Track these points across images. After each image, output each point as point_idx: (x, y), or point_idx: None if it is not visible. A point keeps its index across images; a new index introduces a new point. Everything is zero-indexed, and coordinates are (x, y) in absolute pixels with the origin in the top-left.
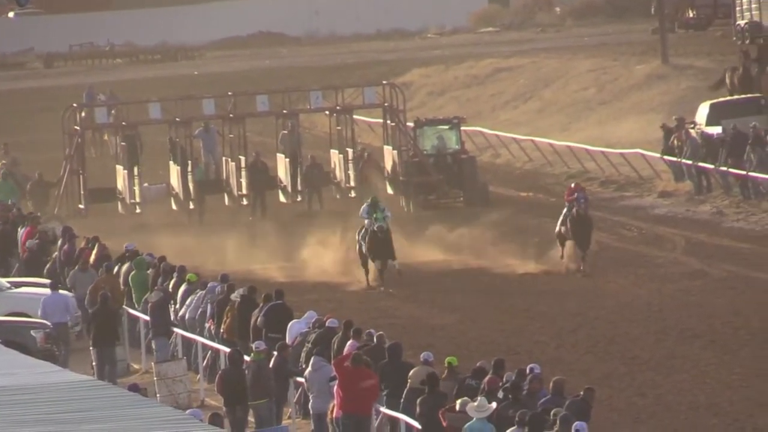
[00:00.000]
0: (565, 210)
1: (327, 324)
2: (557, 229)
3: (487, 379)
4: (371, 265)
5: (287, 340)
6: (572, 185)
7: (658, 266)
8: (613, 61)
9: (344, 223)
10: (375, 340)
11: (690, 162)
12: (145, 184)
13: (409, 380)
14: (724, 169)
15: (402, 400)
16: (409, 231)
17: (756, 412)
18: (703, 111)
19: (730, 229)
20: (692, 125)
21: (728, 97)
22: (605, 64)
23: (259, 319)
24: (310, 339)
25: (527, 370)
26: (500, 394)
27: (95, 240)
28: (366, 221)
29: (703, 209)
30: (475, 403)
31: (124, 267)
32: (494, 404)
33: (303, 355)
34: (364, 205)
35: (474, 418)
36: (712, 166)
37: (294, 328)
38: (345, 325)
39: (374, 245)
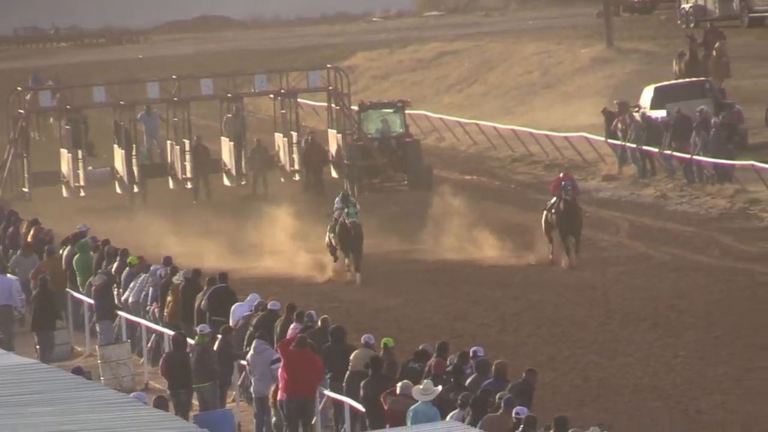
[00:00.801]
0: (552, 200)
1: (269, 306)
2: (543, 220)
3: (433, 362)
4: (339, 254)
5: (230, 323)
6: (560, 174)
7: (602, 249)
8: (558, 44)
9: (288, 207)
10: (319, 323)
11: (634, 145)
12: (90, 168)
13: (350, 363)
14: (669, 152)
15: (344, 383)
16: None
17: (699, 395)
18: (647, 95)
19: (674, 213)
20: (636, 109)
21: (672, 81)
22: (550, 47)
23: (202, 303)
24: (252, 322)
25: (470, 353)
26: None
27: (34, 222)
28: (336, 212)
29: (648, 193)
30: (421, 386)
31: (66, 250)
32: (440, 387)
33: (246, 338)
34: (337, 199)
35: (419, 401)
36: (656, 150)
37: (237, 311)
38: (288, 308)
39: (345, 240)
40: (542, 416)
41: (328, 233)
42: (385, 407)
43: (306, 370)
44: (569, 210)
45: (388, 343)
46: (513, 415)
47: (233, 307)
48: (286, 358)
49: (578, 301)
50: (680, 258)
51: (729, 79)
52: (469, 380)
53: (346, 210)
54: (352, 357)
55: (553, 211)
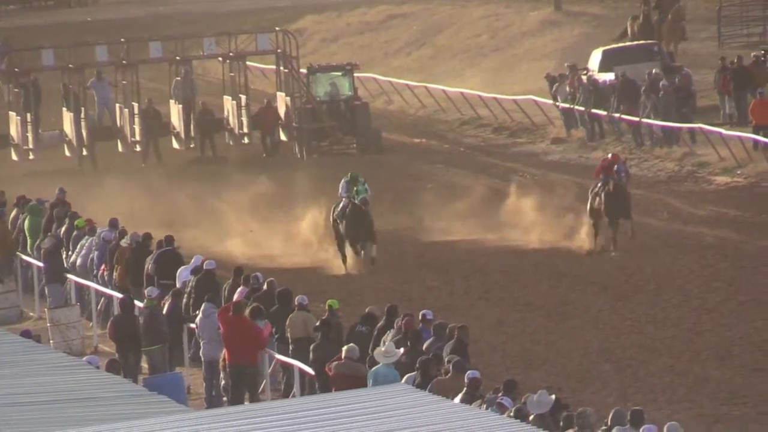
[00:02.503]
0: (598, 183)
1: (205, 266)
2: (589, 205)
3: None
4: (348, 249)
5: (176, 286)
6: (609, 156)
7: (552, 213)
8: (506, 7)
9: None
10: (265, 285)
11: (582, 108)
12: (39, 131)
13: (287, 326)
14: (617, 115)
15: (291, 345)
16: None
17: (648, 357)
18: (595, 58)
19: None
20: (585, 72)
21: (620, 44)
22: (498, 10)
23: (150, 266)
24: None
25: (420, 316)
26: (390, 337)
27: None
28: (344, 199)
29: (596, 156)
30: (383, 348)
31: (12, 213)
32: (401, 350)
33: (185, 300)
34: (342, 181)
35: (381, 363)
36: (604, 113)
37: (182, 274)
38: (235, 272)
39: (354, 222)
40: (491, 379)
41: (333, 220)
42: (330, 374)
43: (243, 336)
44: (618, 192)
45: (333, 305)
46: (467, 379)
47: (179, 270)
48: (223, 325)
49: (526, 265)
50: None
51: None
52: (426, 343)
53: (355, 188)
54: (288, 319)
55: (603, 197)
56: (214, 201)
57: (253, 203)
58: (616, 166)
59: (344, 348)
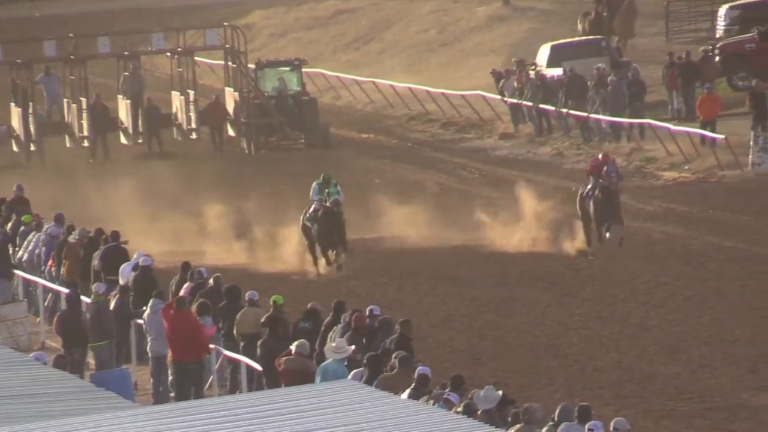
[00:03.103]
0: (589, 186)
1: (140, 263)
2: (578, 207)
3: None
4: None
5: (120, 282)
6: (600, 156)
7: (498, 208)
8: (454, 3)
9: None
10: (211, 281)
11: (530, 104)
12: None
13: (237, 321)
14: (564, 111)
15: (241, 342)
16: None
17: (595, 353)
18: (543, 53)
19: (571, 171)
20: (533, 67)
21: (568, 39)
22: (446, 5)
23: (96, 262)
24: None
25: (367, 312)
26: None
27: None
28: (315, 202)
29: (544, 151)
30: (334, 344)
31: None
32: (353, 346)
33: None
34: (314, 184)
35: (330, 359)
36: (552, 108)
37: (125, 271)
38: (182, 268)
39: (327, 225)
40: (439, 375)
41: (303, 224)
42: (280, 369)
43: (186, 333)
44: (608, 195)
45: (278, 300)
46: (416, 375)
47: (122, 267)
48: (167, 321)
49: (474, 260)
50: (576, 216)
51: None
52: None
53: (327, 190)
54: (239, 315)
55: (588, 199)
56: (160, 196)
57: (199, 197)
58: (605, 167)
59: (294, 343)
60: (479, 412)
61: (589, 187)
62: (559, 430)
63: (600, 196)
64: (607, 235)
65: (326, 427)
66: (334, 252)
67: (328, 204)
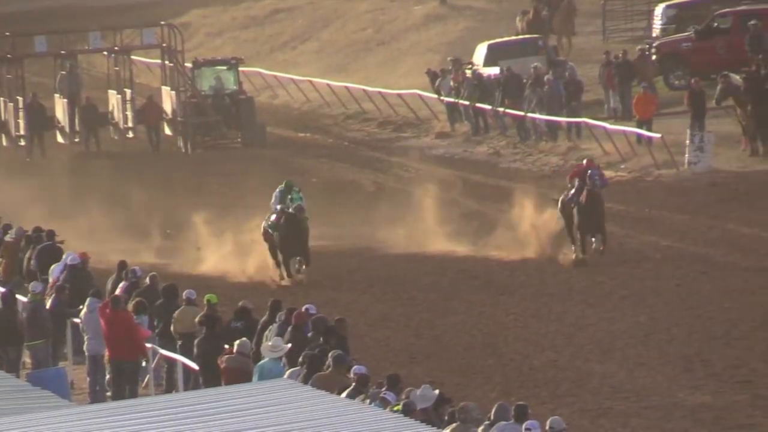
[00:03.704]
0: (572, 191)
1: (68, 262)
2: (559, 210)
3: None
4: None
5: (50, 282)
6: (584, 162)
7: (436, 207)
8: (391, 1)
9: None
10: (147, 280)
11: (467, 103)
12: None
13: (174, 320)
14: (501, 110)
15: (178, 340)
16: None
17: (532, 352)
18: (480, 52)
19: (508, 170)
20: (470, 66)
21: (505, 38)
22: (383, 4)
23: (31, 261)
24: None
25: (303, 310)
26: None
27: None
28: (278, 209)
29: (481, 150)
30: (270, 343)
31: None
32: (289, 345)
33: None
34: (276, 191)
35: (267, 358)
36: (489, 107)
37: (56, 271)
38: (118, 267)
39: (290, 232)
40: (376, 374)
41: (264, 229)
42: (222, 367)
43: (121, 332)
44: (593, 203)
45: (212, 299)
46: (352, 374)
47: (52, 267)
48: (103, 320)
49: (410, 259)
50: (512, 215)
51: (559, 36)
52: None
53: (289, 197)
54: (176, 314)
55: (573, 205)
56: (97, 195)
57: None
58: (589, 172)
59: (236, 342)
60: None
61: (572, 192)
62: (496, 430)
63: (585, 201)
64: (594, 245)
65: (261, 426)
66: (298, 261)
67: (291, 210)
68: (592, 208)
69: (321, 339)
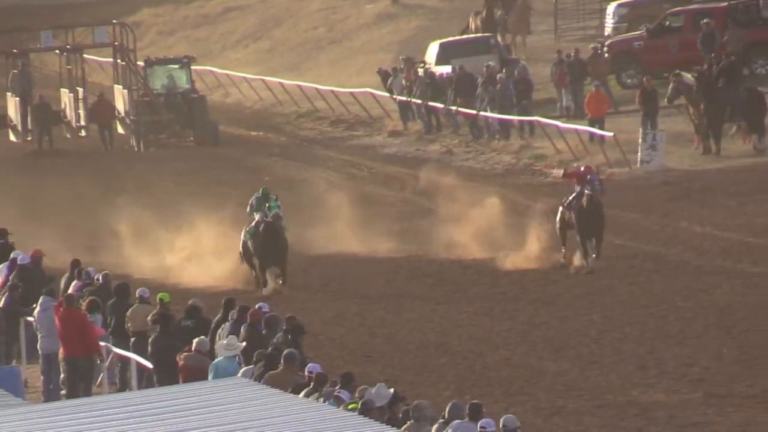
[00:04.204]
0: (572, 196)
1: (18, 261)
2: (558, 218)
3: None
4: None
5: None
6: (582, 168)
7: (389, 205)
8: (343, 0)
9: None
10: (100, 279)
11: (419, 101)
12: None
13: (128, 318)
14: (453, 108)
15: (132, 338)
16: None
17: (485, 350)
18: (432, 50)
19: (460, 168)
20: (422, 65)
21: (457, 37)
22: (335, 3)
23: None
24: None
25: (256, 308)
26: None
27: None
28: (257, 216)
29: (433, 149)
30: (224, 342)
31: None
32: (244, 344)
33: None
34: (252, 198)
35: (222, 357)
36: (441, 106)
37: (3, 269)
38: (72, 265)
39: (268, 240)
40: (330, 372)
41: (245, 237)
42: (180, 364)
43: (76, 330)
44: (592, 208)
45: (164, 298)
46: (306, 372)
47: (1, 266)
48: (57, 318)
49: (364, 258)
50: (464, 214)
51: (514, 35)
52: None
53: (267, 204)
54: (129, 312)
55: (575, 210)
56: (51, 194)
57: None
58: (589, 176)
59: (195, 340)
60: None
61: (572, 197)
62: (452, 428)
63: (585, 206)
64: (593, 255)
65: (215, 424)
66: (275, 271)
67: (268, 218)
68: (591, 214)
69: (289, 336)
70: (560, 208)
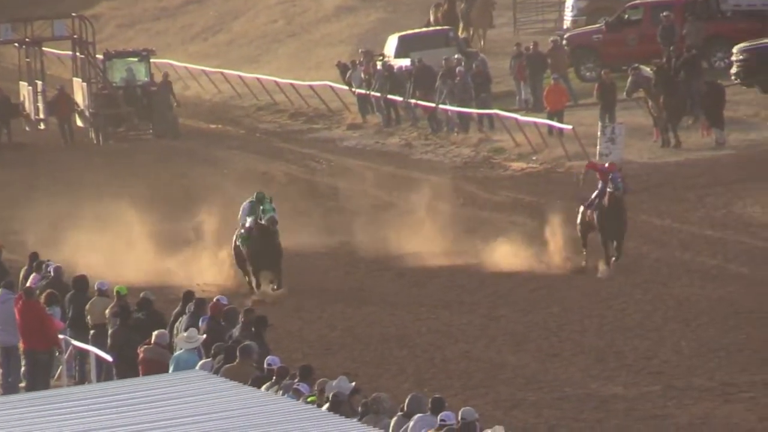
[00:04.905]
0: (594, 194)
1: None
2: (579, 219)
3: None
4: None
5: None
6: (606, 164)
7: (348, 198)
8: None
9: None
10: (52, 272)
11: (378, 94)
12: None
13: (87, 311)
14: (412, 101)
15: (91, 331)
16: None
17: (444, 343)
18: (392, 43)
19: (419, 161)
20: (381, 58)
21: (416, 30)
22: None
23: None
24: None
25: (215, 301)
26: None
27: None
28: (248, 221)
29: (392, 142)
30: (185, 334)
31: None
32: (204, 336)
33: None
34: (245, 203)
35: (183, 349)
36: (400, 99)
37: None
38: (30, 258)
39: (260, 246)
40: (289, 365)
41: (236, 241)
42: (141, 356)
43: (34, 322)
44: (615, 208)
45: (121, 290)
46: (266, 365)
47: None
48: (16, 311)
49: (323, 251)
50: (424, 207)
51: (476, 28)
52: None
53: (261, 207)
54: (88, 305)
55: (593, 208)
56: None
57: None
58: (611, 174)
59: (155, 333)
60: (329, 404)
61: (594, 195)
62: (413, 422)
63: (608, 206)
64: (613, 259)
65: (176, 416)
66: (270, 276)
67: (263, 222)
68: (614, 212)
69: (252, 329)
70: (581, 208)
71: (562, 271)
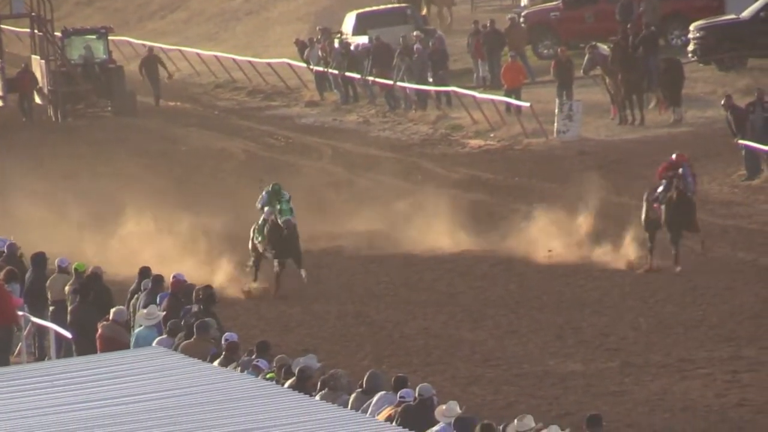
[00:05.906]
0: (660, 188)
1: None
2: (644, 214)
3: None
4: (263, 264)
5: None
6: (673, 156)
7: (305, 175)
8: None
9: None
10: (5, 249)
11: (336, 72)
12: None
13: (47, 288)
14: (370, 79)
15: (51, 307)
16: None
17: (403, 320)
18: (349, 21)
19: (377, 139)
20: (339, 35)
21: (374, 8)
22: None
23: None
24: None
25: (173, 278)
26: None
27: None
28: (266, 210)
29: (350, 119)
30: (145, 311)
31: None
32: (164, 313)
33: None
34: (263, 193)
35: (143, 326)
36: (358, 76)
37: None
38: None
39: (276, 242)
40: (247, 342)
41: (253, 235)
42: (98, 332)
43: None
44: (683, 204)
45: (80, 267)
46: (223, 341)
47: None
48: None
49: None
50: (382, 184)
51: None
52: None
53: (278, 206)
54: (48, 282)
55: (664, 205)
56: None
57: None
58: (681, 169)
59: (112, 310)
60: (291, 381)
61: (660, 190)
62: (375, 398)
63: (675, 200)
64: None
65: (137, 393)
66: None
67: (280, 223)
68: (681, 206)
69: (201, 306)
70: (645, 203)
71: (519, 248)
